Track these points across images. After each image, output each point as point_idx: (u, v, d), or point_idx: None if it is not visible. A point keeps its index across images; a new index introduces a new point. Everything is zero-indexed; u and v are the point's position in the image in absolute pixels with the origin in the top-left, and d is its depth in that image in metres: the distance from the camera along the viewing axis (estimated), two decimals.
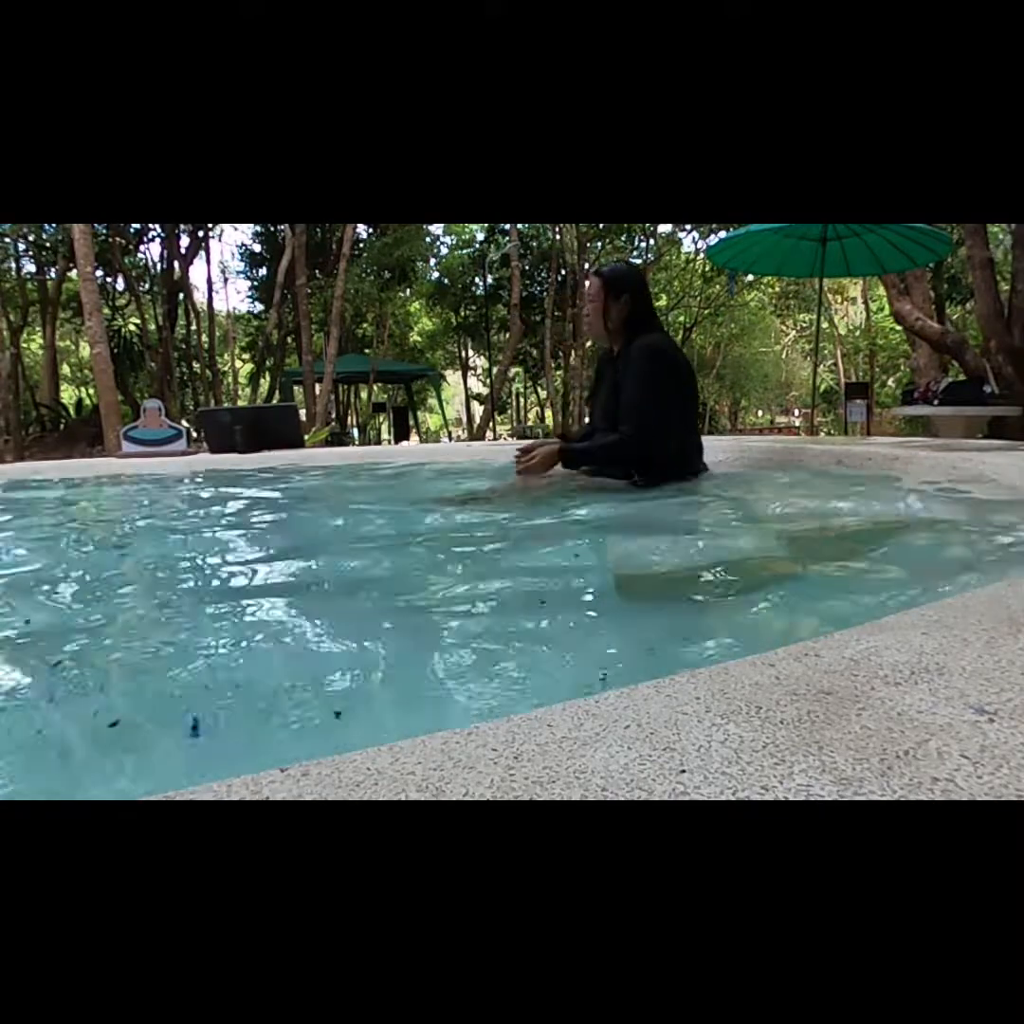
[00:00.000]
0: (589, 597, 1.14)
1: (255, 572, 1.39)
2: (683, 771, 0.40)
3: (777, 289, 17.37)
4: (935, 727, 0.44)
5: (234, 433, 4.15)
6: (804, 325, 20.03)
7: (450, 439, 21.04)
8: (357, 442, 13.97)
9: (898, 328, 11.24)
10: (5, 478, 3.49)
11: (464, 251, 17.56)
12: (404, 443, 13.87)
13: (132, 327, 14.65)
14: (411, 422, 17.44)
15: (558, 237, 15.63)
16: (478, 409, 20.62)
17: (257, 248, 17.00)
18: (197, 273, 18.93)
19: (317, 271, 13.92)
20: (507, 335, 14.94)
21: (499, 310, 16.85)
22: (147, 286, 15.23)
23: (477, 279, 17.07)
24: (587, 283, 2.31)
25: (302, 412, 8.10)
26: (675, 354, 2.23)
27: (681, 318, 17.37)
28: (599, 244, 15.73)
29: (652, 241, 16.31)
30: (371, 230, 14.77)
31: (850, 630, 0.62)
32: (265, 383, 16.83)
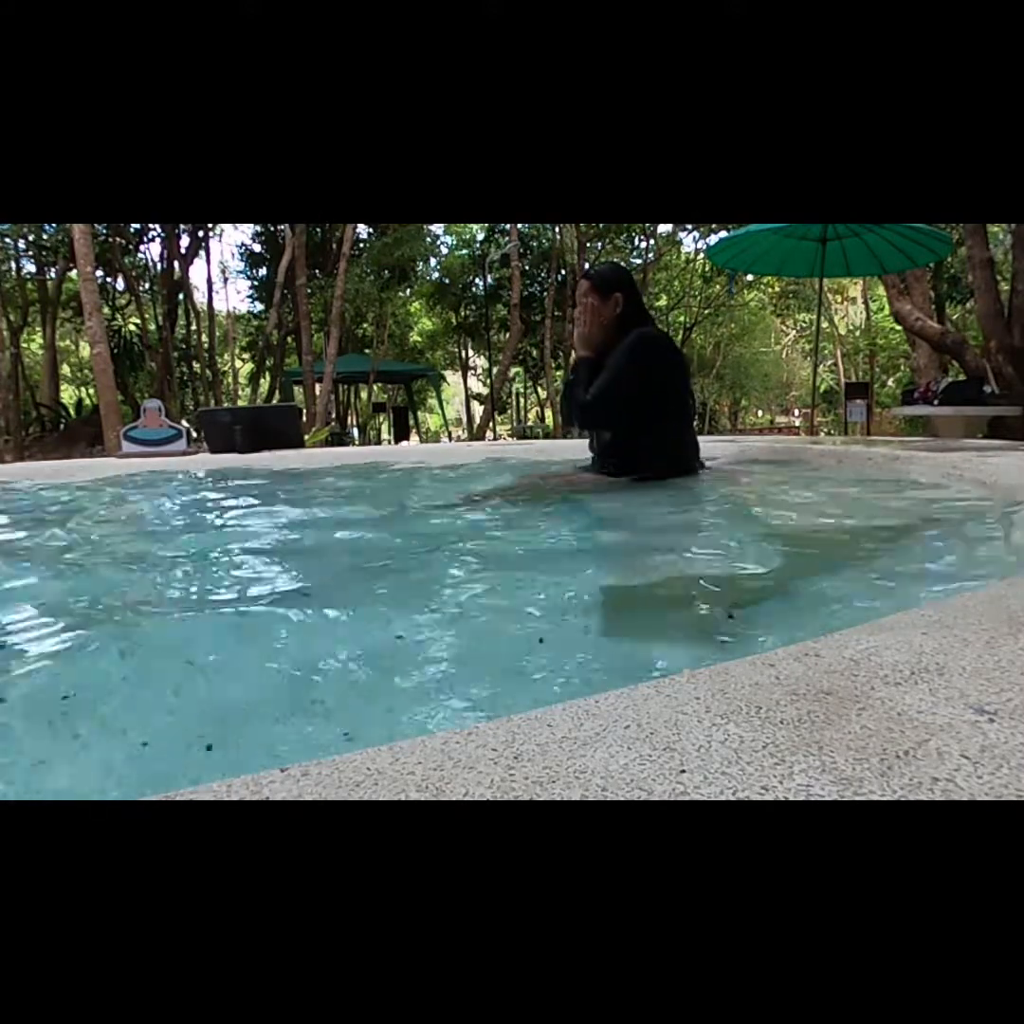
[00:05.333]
0: (590, 595, 1.14)
1: (257, 573, 1.39)
2: (683, 771, 0.40)
3: (777, 289, 17.37)
4: (935, 727, 0.44)
5: (234, 433, 4.16)
6: (804, 325, 20.03)
7: (450, 439, 21.03)
8: (357, 442, 13.97)
9: (898, 328, 11.24)
10: (4, 479, 3.49)
11: (464, 251, 17.56)
12: (404, 443, 13.87)
13: (132, 327, 14.64)
14: (411, 422, 17.44)
15: (558, 237, 15.63)
16: (478, 409, 20.61)
17: (257, 248, 17.00)
18: (197, 273, 18.92)
19: (317, 271, 13.92)
20: (507, 335, 14.94)
21: (499, 310, 16.85)
22: (147, 286, 15.23)
23: (477, 279, 17.08)
24: (578, 287, 2.30)
25: (302, 412, 8.10)
26: (667, 345, 2.21)
27: (681, 318, 17.37)
28: (599, 244, 15.73)
29: (652, 241, 16.31)
30: (371, 230, 14.76)
31: (850, 630, 0.62)
32: (265, 383, 16.83)
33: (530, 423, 21.18)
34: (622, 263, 14.86)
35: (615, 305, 2.19)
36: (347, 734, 0.66)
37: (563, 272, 15.92)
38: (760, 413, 26.79)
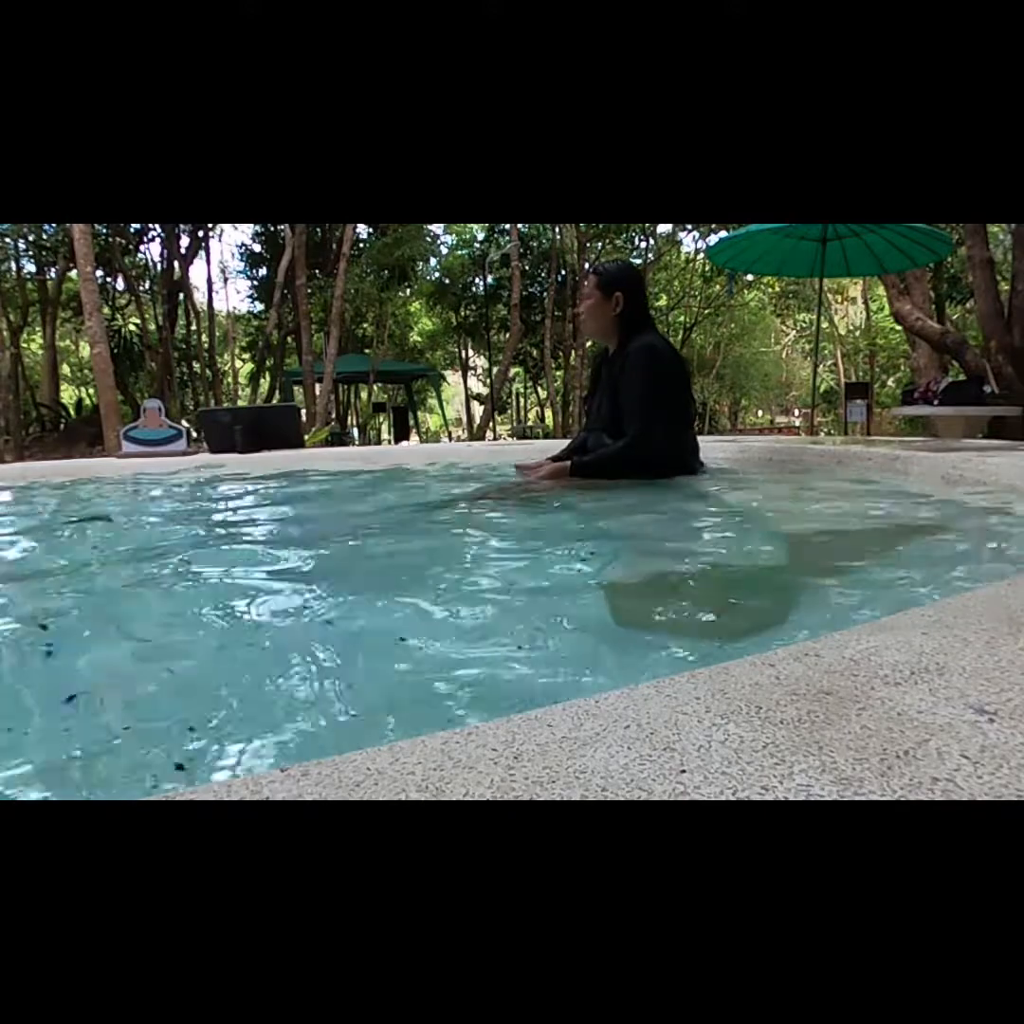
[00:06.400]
0: (590, 597, 1.14)
1: (260, 576, 1.39)
2: (683, 771, 0.40)
3: (777, 289, 17.38)
4: (935, 727, 0.44)
5: (234, 433, 4.15)
6: (804, 325, 20.05)
7: (450, 439, 21.04)
8: (357, 442, 13.97)
9: (898, 328, 11.25)
10: (4, 480, 3.49)
11: (464, 251, 17.56)
12: (404, 443, 13.87)
13: (132, 327, 14.66)
14: (411, 422, 17.45)
15: (558, 237, 15.63)
16: (478, 409, 20.61)
17: (257, 248, 17.00)
18: (197, 273, 18.97)
19: (317, 271, 13.92)
20: (507, 335, 14.94)
21: (499, 310, 16.86)
22: (147, 286, 15.24)
23: (477, 279, 17.08)
24: (585, 281, 2.36)
25: (302, 412, 8.10)
26: (671, 355, 2.24)
27: (681, 318, 17.39)
28: (599, 244, 15.73)
29: (652, 241, 16.32)
30: (371, 230, 14.77)
31: (850, 630, 0.62)
32: (265, 383, 16.84)
33: (530, 423, 21.20)
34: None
35: (615, 304, 2.22)
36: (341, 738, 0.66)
37: (563, 272, 15.94)
38: (760, 413, 26.81)
